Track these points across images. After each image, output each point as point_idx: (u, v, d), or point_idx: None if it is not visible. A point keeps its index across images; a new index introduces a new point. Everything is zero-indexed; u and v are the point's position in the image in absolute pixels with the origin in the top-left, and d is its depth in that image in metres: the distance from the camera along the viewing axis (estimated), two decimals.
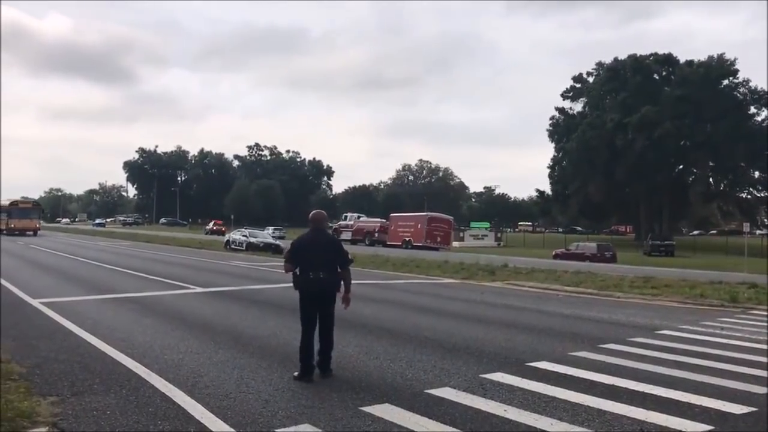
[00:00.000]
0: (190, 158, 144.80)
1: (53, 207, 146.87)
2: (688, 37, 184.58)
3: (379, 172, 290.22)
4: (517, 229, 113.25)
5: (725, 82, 68.37)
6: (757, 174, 68.58)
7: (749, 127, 66.27)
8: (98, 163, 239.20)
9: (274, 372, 6.76)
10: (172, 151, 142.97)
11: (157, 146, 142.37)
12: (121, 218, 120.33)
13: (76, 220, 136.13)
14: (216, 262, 26.48)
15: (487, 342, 8.87)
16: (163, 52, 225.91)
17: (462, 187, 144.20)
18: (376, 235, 51.26)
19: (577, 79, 79.04)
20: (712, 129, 65.87)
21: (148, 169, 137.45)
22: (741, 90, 68.30)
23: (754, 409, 5.75)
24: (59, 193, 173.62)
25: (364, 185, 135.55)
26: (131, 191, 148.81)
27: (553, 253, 42.86)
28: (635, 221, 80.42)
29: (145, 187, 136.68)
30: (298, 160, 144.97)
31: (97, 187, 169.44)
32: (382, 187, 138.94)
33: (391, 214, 55.89)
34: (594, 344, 8.80)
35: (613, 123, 67.25)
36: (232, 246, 37.39)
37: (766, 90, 67.36)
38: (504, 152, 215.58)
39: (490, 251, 45.12)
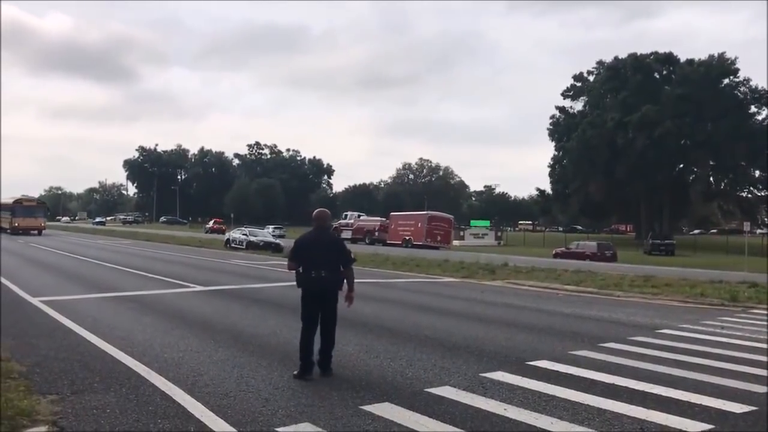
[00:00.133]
0: (190, 157, 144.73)
1: (53, 205, 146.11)
2: (688, 36, 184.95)
3: (379, 171, 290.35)
4: (517, 228, 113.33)
5: (726, 81, 68.33)
6: (757, 173, 68.61)
7: (750, 127, 66.25)
8: (98, 162, 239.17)
9: (274, 371, 6.76)
10: (172, 150, 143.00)
11: (157, 145, 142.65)
12: (121, 217, 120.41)
13: (76, 218, 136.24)
14: (216, 260, 26.48)
15: (488, 341, 8.87)
16: (163, 50, 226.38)
17: (462, 186, 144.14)
18: (377, 234, 51.24)
19: (578, 78, 79.04)
20: (713, 128, 65.86)
21: (148, 167, 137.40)
22: (741, 89, 68.29)
23: (754, 408, 5.74)
24: (59, 192, 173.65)
25: (364, 184, 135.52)
26: (131, 190, 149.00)
27: (554, 252, 42.88)
28: (636, 220, 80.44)
29: (145, 186, 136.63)
30: (299, 158, 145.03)
31: (97, 185, 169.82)
32: (382, 185, 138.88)
33: (392, 213, 55.89)
34: (594, 343, 8.80)
35: (614, 122, 67.25)
36: (232, 245, 37.39)
37: (766, 89, 67.43)
38: (504, 151, 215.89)
39: (491, 250, 45.11)
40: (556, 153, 77.98)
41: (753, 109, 68.47)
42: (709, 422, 5.29)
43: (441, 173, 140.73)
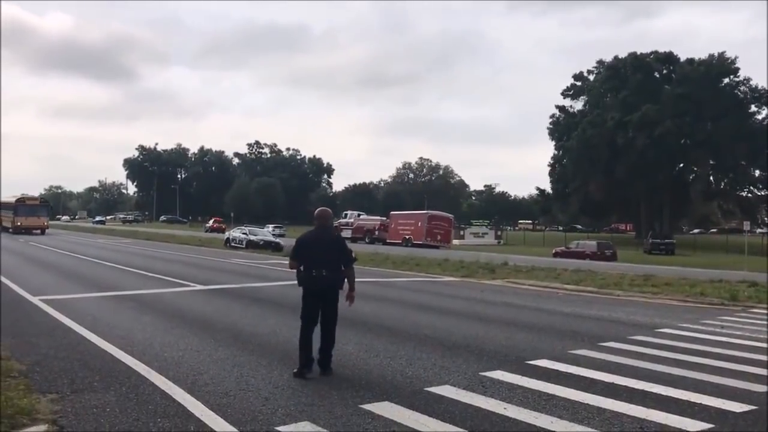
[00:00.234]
0: (190, 156, 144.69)
1: (53, 204, 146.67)
2: (688, 35, 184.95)
3: (379, 170, 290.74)
4: (517, 228, 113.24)
5: (726, 80, 68.28)
6: (757, 173, 68.58)
7: (750, 126, 66.22)
8: (98, 161, 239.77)
9: (274, 370, 6.76)
10: (172, 149, 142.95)
11: (157, 144, 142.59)
12: (121, 216, 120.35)
13: (76, 217, 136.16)
14: (216, 259, 26.48)
15: (487, 340, 8.87)
16: (163, 49, 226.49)
17: (462, 185, 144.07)
18: (377, 233, 51.26)
19: (578, 77, 78.99)
20: (713, 127, 65.84)
21: (148, 166, 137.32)
22: (742, 89, 68.24)
23: (754, 407, 5.74)
24: (59, 191, 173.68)
25: (364, 183, 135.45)
26: (131, 189, 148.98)
27: (554, 251, 42.86)
28: (636, 219, 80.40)
29: (145, 185, 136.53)
30: (299, 157, 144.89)
31: (97, 184, 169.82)
32: (382, 185, 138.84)
33: (392, 212, 55.89)
34: (594, 342, 8.80)
35: (614, 121, 67.21)
36: (232, 244, 37.38)
37: (766, 89, 67.38)
38: (504, 150, 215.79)
39: (491, 249, 45.08)
40: (556, 152, 77.98)
41: (753, 108, 68.45)
42: (709, 421, 5.29)
43: (441, 172, 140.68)
